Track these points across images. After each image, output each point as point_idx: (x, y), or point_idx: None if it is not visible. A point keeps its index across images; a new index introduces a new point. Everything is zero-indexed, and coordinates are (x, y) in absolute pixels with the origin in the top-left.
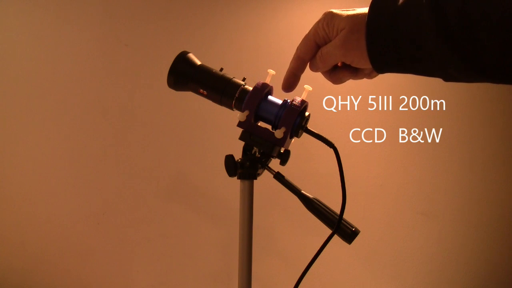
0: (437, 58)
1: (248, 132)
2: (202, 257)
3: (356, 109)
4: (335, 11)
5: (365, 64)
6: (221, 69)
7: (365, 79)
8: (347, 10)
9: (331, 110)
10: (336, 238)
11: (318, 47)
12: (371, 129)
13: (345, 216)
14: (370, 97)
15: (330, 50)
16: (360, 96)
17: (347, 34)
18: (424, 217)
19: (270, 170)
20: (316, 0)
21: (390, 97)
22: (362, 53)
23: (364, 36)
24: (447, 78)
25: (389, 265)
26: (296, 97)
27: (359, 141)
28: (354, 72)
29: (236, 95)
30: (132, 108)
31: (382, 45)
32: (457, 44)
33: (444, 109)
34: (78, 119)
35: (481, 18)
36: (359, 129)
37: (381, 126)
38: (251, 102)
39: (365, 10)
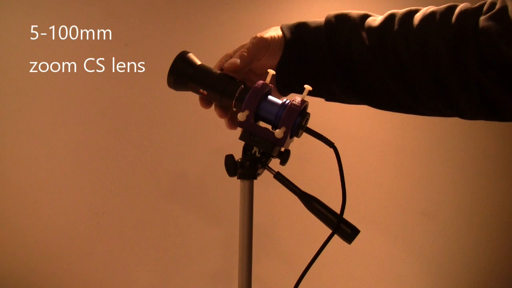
0: (326, 74)
1: (248, 132)
2: (202, 257)
3: (356, 108)
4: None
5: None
6: (221, 69)
7: None
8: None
9: (331, 110)
10: (336, 238)
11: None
12: (371, 129)
13: (345, 216)
14: None
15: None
16: None
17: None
18: (424, 217)
19: (270, 170)
20: (316, 0)
21: None
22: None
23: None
24: (328, 97)
25: (389, 265)
26: (296, 96)
27: (359, 141)
28: None
29: (236, 95)
30: (132, 108)
31: (289, 70)
32: (340, 63)
33: None
34: (78, 119)
35: (358, 54)
36: (359, 129)
37: (381, 126)
38: (251, 102)
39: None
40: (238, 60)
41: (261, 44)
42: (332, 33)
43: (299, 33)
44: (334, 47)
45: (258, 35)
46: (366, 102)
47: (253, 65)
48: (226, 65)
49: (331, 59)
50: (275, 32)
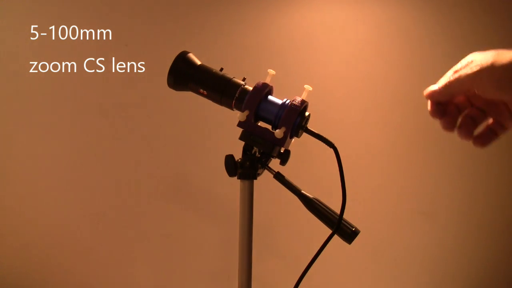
0: None
1: (248, 132)
2: (202, 257)
3: (356, 109)
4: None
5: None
6: (221, 69)
7: None
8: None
9: (331, 110)
10: (336, 238)
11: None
12: (371, 130)
13: (345, 216)
14: (370, 97)
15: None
16: (361, 96)
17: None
18: (424, 217)
19: (270, 170)
20: (316, 1)
21: (390, 97)
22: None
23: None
24: None
25: (389, 265)
26: (296, 97)
27: (359, 141)
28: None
29: (236, 95)
30: (132, 108)
31: None
32: None
33: None
34: (78, 119)
35: None
36: (359, 129)
37: (381, 126)
38: (251, 102)
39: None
40: (437, 88)
41: (463, 83)
42: None
43: None
44: None
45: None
46: None
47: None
48: (425, 91)
49: None
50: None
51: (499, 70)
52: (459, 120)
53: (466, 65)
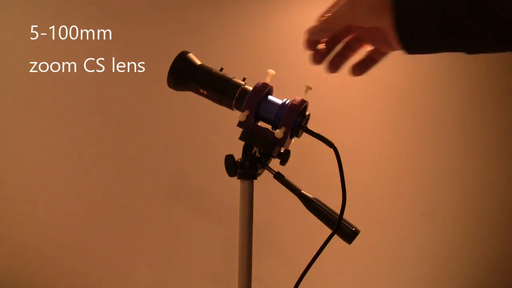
0: (462, 23)
1: (248, 132)
2: (202, 257)
3: (356, 109)
4: None
5: (377, 22)
6: (221, 69)
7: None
8: None
9: (331, 110)
10: (336, 238)
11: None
12: (371, 129)
13: (345, 216)
14: (370, 97)
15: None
16: (361, 96)
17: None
18: (424, 217)
19: (270, 170)
20: (316, 0)
21: (391, 97)
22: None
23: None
24: (470, 49)
25: (389, 264)
26: (296, 96)
27: (359, 141)
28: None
29: (236, 95)
30: (132, 108)
31: (409, 16)
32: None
33: (444, 109)
34: (78, 119)
35: None
36: (359, 129)
37: (381, 126)
38: (251, 102)
39: None
40: (317, 24)
41: (344, 16)
42: None
43: None
44: None
45: (343, 3)
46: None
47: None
48: (307, 30)
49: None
50: None
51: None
52: (330, 55)
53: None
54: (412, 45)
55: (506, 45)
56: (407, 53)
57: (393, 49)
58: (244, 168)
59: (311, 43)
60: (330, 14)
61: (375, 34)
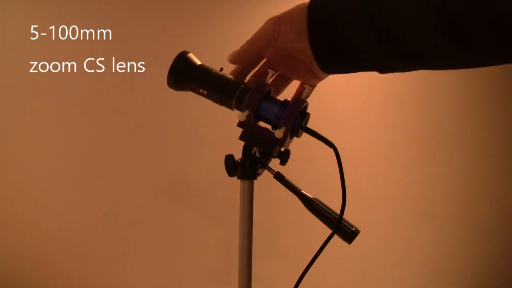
0: (368, 49)
1: (248, 132)
2: (202, 257)
3: (356, 109)
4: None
5: (297, 44)
6: (221, 69)
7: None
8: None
9: (331, 110)
10: (336, 238)
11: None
12: (371, 129)
13: (345, 216)
14: (370, 97)
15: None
16: (361, 96)
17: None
18: (424, 217)
19: (270, 170)
20: None
21: (391, 97)
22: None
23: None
24: (382, 70)
25: (389, 265)
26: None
27: (359, 141)
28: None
29: (236, 95)
30: (132, 108)
31: (322, 41)
32: (381, 33)
33: (445, 109)
34: (78, 119)
35: (394, 9)
36: (359, 129)
37: (381, 126)
38: (251, 102)
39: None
40: (239, 55)
41: (266, 33)
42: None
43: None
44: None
45: (265, 23)
46: (414, 66)
47: (282, 47)
48: (227, 57)
49: (370, 31)
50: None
51: (297, 19)
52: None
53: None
54: (328, 66)
55: (410, 66)
56: (324, 72)
57: (315, 74)
58: (244, 168)
59: (238, 72)
60: (254, 36)
61: (296, 63)
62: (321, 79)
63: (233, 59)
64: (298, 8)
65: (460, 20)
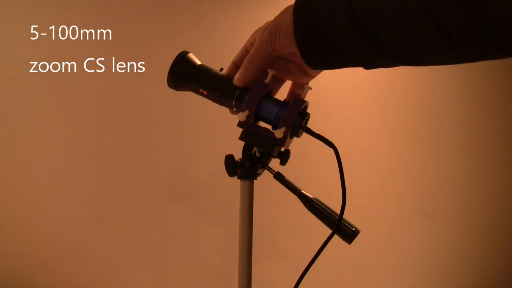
0: (353, 46)
1: (248, 132)
2: (202, 257)
3: (356, 109)
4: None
5: (289, 49)
6: (221, 69)
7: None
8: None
9: (331, 110)
10: (336, 238)
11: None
12: (371, 129)
13: (345, 216)
14: (371, 97)
15: (257, 45)
16: (361, 96)
17: (273, 28)
18: (425, 218)
19: (270, 170)
20: None
21: (391, 97)
22: (289, 39)
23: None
24: (367, 66)
25: (389, 265)
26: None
27: (359, 141)
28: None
29: (236, 95)
30: (132, 108)
31: (308, 38)
32: (365, 32)
33: (445, 110)
34: (78, 119)
35: (379, 10)
36: (359, 129)
37: (381, 126)
38: (251, 102)
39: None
40: (246, 76)
41: (264, 47)
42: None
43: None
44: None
45: (260, 37)
46: (395, 62)
47: (274, 54)
48: (235, 81)
49: (353, 27)
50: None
51: (286, 25)
52: None
53: (254, 40)
54: (315, 62)
55: (394, 63)
56: (313, 68)
57: (307, 73)
58: (244, 168)
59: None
60: (249, 53)
61: (287, 64)
62: (313, 77)
63: (242, 81)
64: (285, 13)
65: (445, 19)
